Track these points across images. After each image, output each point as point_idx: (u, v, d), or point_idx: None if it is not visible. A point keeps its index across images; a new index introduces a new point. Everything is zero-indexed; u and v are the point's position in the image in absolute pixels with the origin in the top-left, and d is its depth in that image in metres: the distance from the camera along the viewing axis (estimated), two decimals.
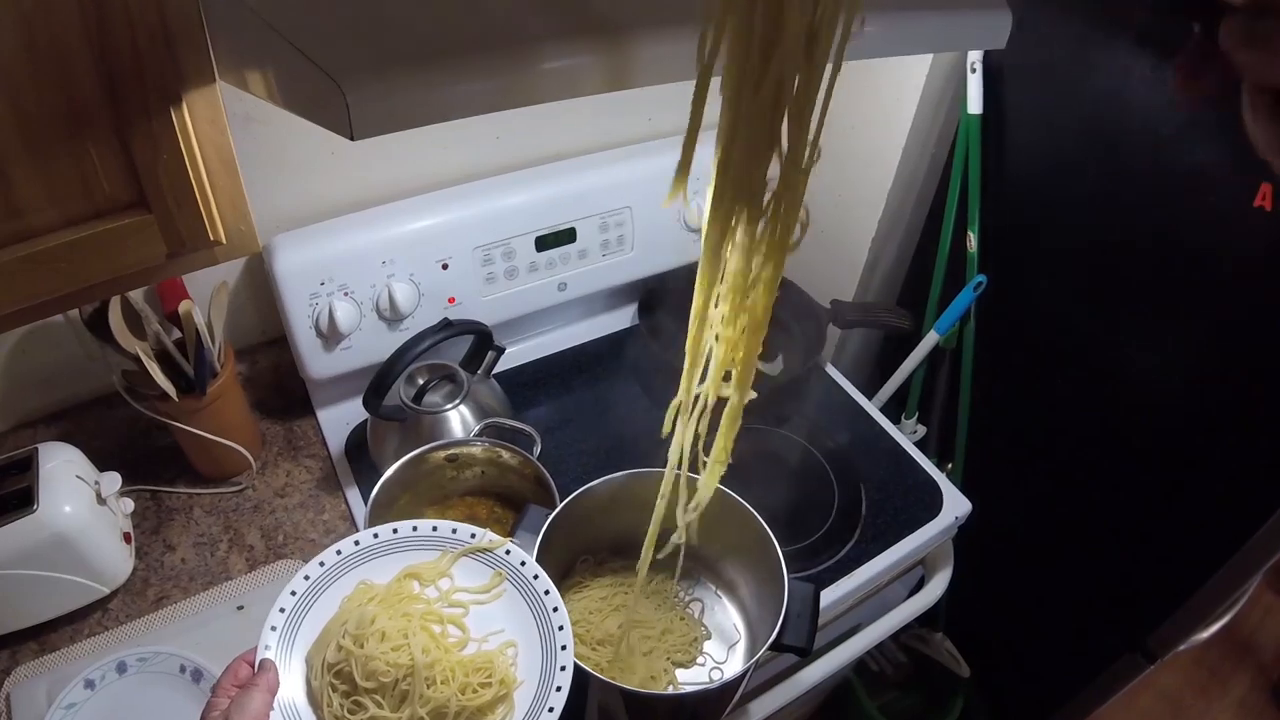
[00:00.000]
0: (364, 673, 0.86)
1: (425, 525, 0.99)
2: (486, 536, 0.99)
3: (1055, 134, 1.50)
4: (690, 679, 1.16)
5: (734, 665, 1.18)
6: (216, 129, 0.85)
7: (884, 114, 1.64)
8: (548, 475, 1.24)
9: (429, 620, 0.93)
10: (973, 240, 1.60)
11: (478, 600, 0.96)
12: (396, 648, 0.88)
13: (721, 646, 1.20)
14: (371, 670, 0.86)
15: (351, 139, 0.72)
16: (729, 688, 1.08)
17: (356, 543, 0.97)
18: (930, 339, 1.66)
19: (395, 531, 0.98)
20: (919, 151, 1.65)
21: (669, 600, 1.23)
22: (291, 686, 0.87)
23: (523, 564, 0.97)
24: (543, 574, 0.96)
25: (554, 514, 1.11)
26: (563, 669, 0.89)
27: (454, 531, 0.99)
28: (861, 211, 1.74)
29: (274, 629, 0.90)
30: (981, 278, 1.59)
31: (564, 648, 0.90)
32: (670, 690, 1.13)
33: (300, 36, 0.70)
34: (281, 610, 0.91)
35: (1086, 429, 1.61)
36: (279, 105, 0.76)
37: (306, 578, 0.94)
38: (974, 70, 1.52)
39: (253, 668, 0.86)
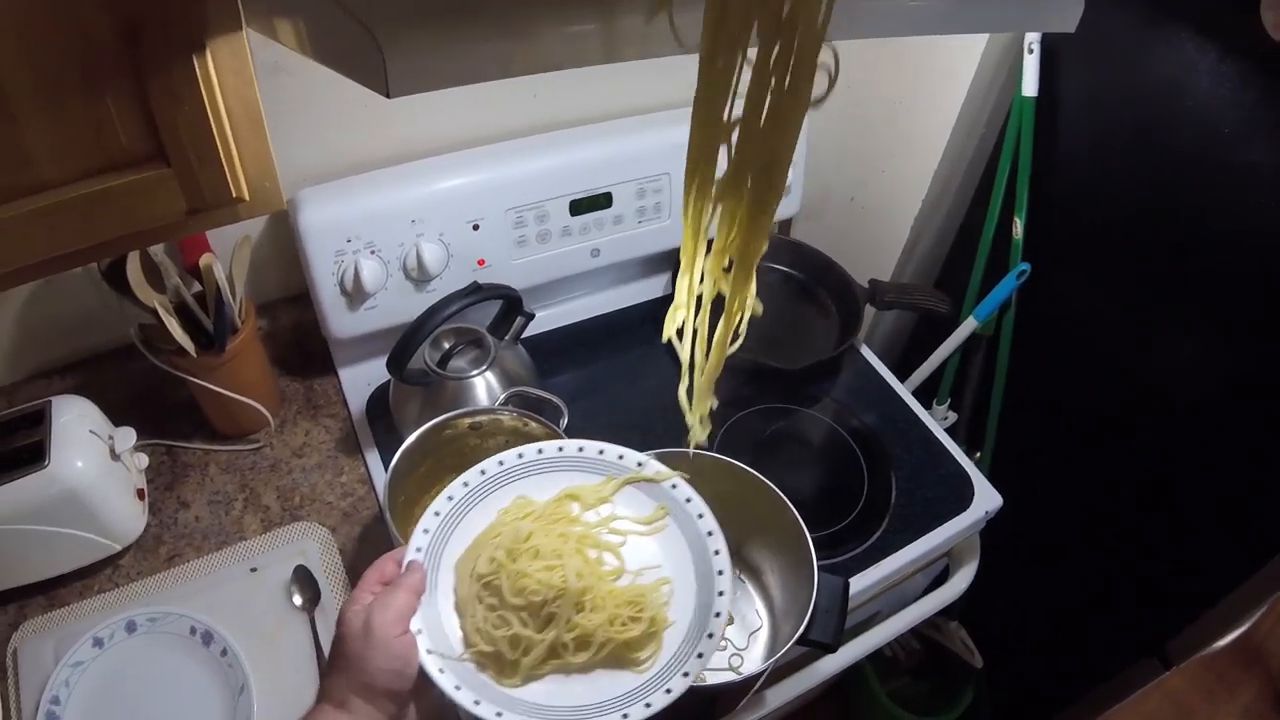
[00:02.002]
0: (513, 589, 0.81)
1: (592, 447, 0.93)
2: (654, 466, 0.91)
3: (1111, 122, 1.41)
4: (709, 665, 1.09)
5: (755, 653, 1.13)
6: (242, 80, 0.77)
7: (935, 92, 1.55)
8: None
9: (585, 544, 0.86)
10: (1018, 227, 1.52)
11: (637, 531, 0.89)
12: (550, 568, 0.82)
13: (742, 633, 1.14)
14: (521, 587, 0.80)
15: (388, 97, 0.65)
16: (750, 681, 1.04)
17: (520, 455, 0.91)
18: (968, 325, 1.58)
19: (560, 450, 0.92)
20: (968, 132, 1.56)
21: None
22: (437, 592, 0.82)
23: (688, 501, 0.89)
24: (708, 514, 0.88)
25: None
26: (717, 615, 0.81)
27: (620, 458, 0.92)
28: (905, 190, 1.65)
29: (426, 532, 0.84)
30: (1025, 266, 1.51)
31: (721, 594, 0.82)
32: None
33: None
34: (436, 514, 0.86)
35: (1121, 427, 1.53)
36: (310, 57, 0.69)
37: (465, 484, 0.88)
38: (1031, 51, 1.42)
39: (399, 567, 0.82)
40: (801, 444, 1.45)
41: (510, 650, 0.79)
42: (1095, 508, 1.61)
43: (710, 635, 0.80)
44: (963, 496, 1.38)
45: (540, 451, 0.92)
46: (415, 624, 0.77)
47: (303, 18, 0.69)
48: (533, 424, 1.22)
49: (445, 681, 0.75)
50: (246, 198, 0.84)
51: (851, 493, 1.37)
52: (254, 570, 1.22)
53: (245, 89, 0.78)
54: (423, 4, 0.65)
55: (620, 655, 0.80)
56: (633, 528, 0.89)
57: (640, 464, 0.92)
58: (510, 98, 1.41)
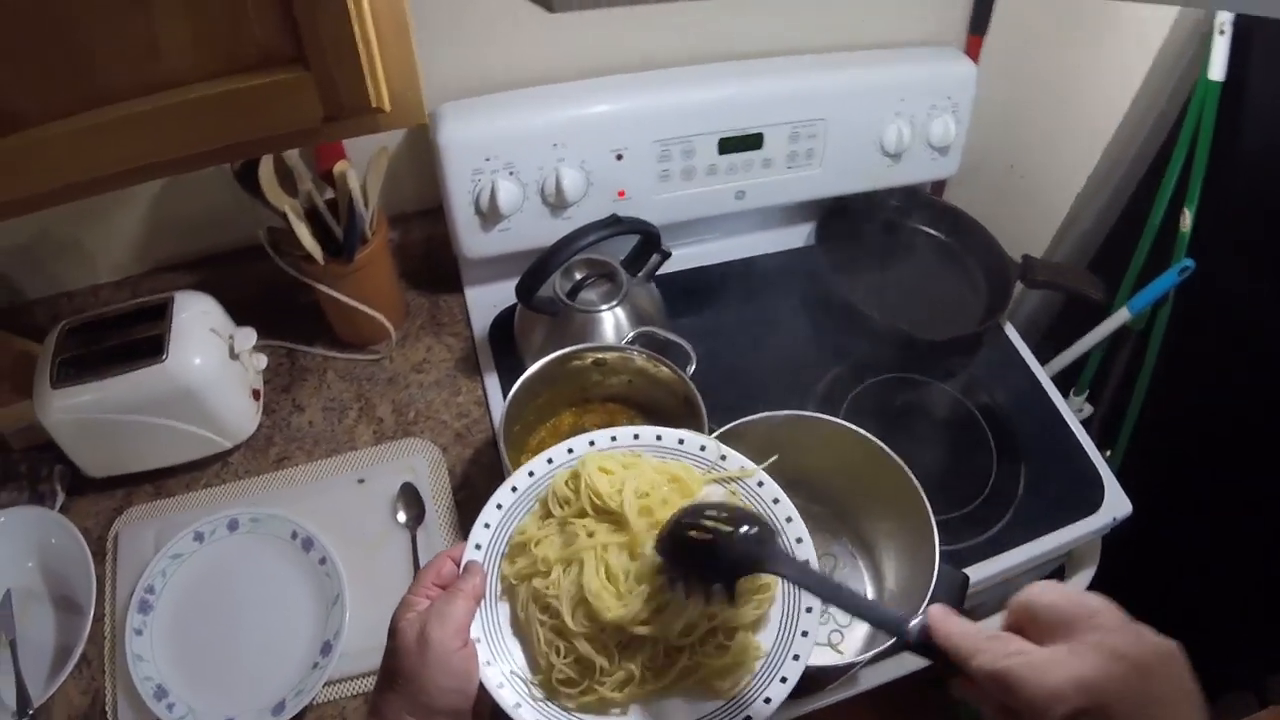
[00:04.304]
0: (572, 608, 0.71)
1: (671, 436, 0.81)
2: (739, 462, 0.79)
3: None
4: None
5: (857, 632, 1.06)
6: None
7: (1114, 63, 1.40)
8: (699, 398, 1.09)
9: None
10: (1187, 219, 1.37)
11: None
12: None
13: None
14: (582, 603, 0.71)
15: (551, 10, 0.56)
16: (848, 666, 0.99)
17: (591, 443, 0.79)
18: (1119, 316, 1.44)
19: (636, 438, 0.80)
20: (1145, 112, 1.40)
21: None
22: (499, 596, 0.73)
23: (776, 501, 0.77)
24: (796, 516, 0.76)
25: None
26: (809, 610, 0.71)
27: (702, 449, 0.80)
28: (1069, 164, 1.50)
29: (487, 526, 0.75)
30: (1189, 262, 1.37)
31: (809, 609, 0.71)
32: None
33: None
34: (498, 507, 0.76)
35: (1266, 445, 1.39)
36: None
37: (531, 473, 0.78)
38: (1222, 32, 1.27)
39: (458, 566, 0.72)
40: (931, 419, 1.33)
41: (579, 675, 0.69)
42: (1221, 525, 1.48)
43: (796, 658, 0.69)
44: (1092, 498, 1.26)
45: (614, 439, 0.80)
46: (474, 631, 0.69)
47: None
48: (660, 368, 1.14)
49: (506, 698, 0.67)
50: (387, 108, 0.77)
51: (978, 478, 1.26)
52: (361, 481, 1.18)
53: None
54: None
55: (706, 682, 0.70)
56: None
57: (724, 457, 0.80)
58: (666, 24, 1.30)
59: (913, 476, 1.00)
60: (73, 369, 1.05)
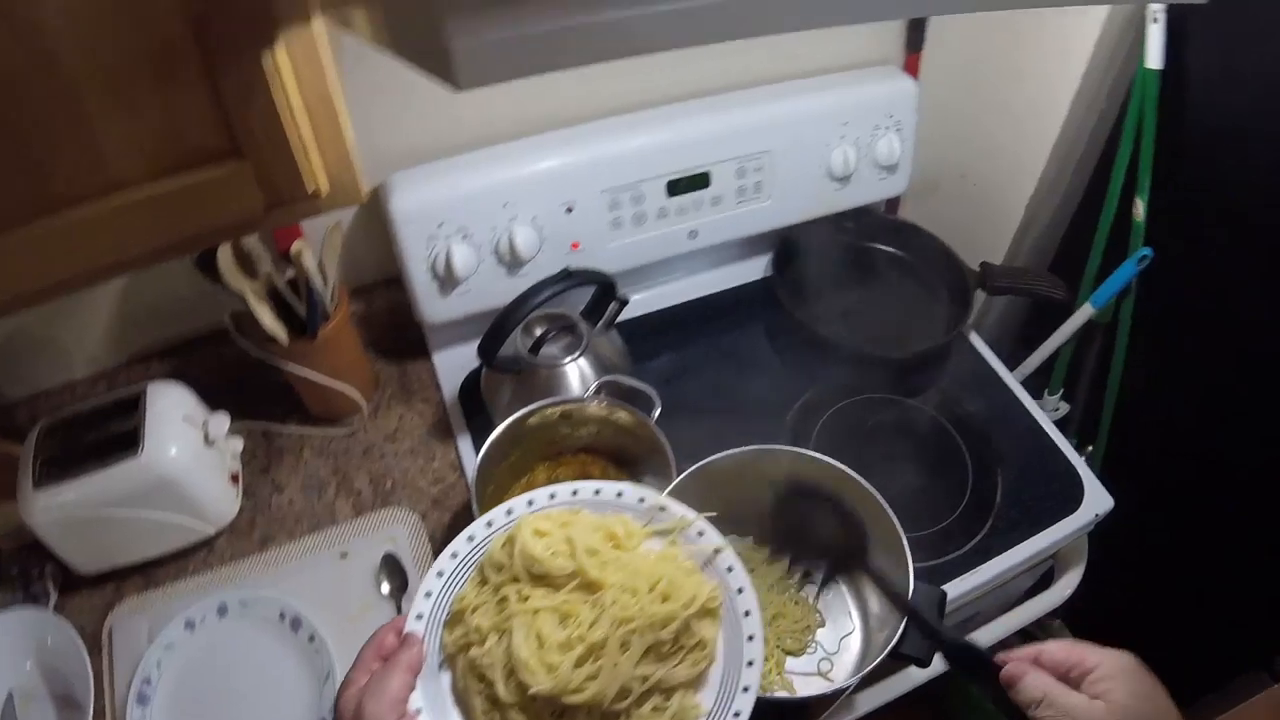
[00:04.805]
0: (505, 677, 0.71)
1: (610, 489, 0.81)
2: (679, 512, 0.79)
3: (1244, 97, 1.26)
4: (798, 668, 1.03)
5: (846, 659, 1.05)
6: (316, 70, 0.72)
7: (1052, 63, 1.40)
8: (665, 442, 1.10)
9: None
10: (1140, 209, 1.37)
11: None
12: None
13: (834, 635, 1.06)
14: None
15: (457, 89, 0.57)
16: (839, 691, 0.97)
17: (530, 502, 0.80)
18: (1084, 312, 1.44)
19: (575, 493, 0.81)
20: (1088, 107, 1.41)
21: (781, 581, 1.09)
22: (441, 666, 0.73)
23: (717, 551, 0.77)
24: (738, 564, 0.76)
25: (669, 489, 0.97)
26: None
27: (641, 500, 0.80)
28: (1019, 167, 1.51)
29: (428, 595, 0.74)
30: (1147, 251, 1.37)
31: (750, 663, 0.72)
32: (777, 691, 1.01)
33: None
34: (439, 574, 0.76)
35: (1244, 426, 1.39)
36: (381, 47, 0.62)
37: (470, 538, 0.78)
38: (1155, 21, 1.27)
39: (399, 637, 0.72)
40: (905, 437, 1.33)
41: None
42: (1212, 509, 1.47)
43: (746, 689, 0.70)
44: (1072, 497, 1.26)
45: (553, 497, 0.81)
46: (415, 701, 0.69)
47: (366, 3, 0.61)
48: (623, 415, 1.15)
49: None
50: (325, 191, 0.80)
51: (955, 491, 1.26)
52: (344, 555, 1.18)
53: (319, 80, 0.73)
54: None
55: None
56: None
57: (663, 509, 0.79)
58: (605, 73, 1.30)
59: (880, 498, 1.00)
60: (53, 469, 1.06)
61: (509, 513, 0.79)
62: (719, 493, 1.01)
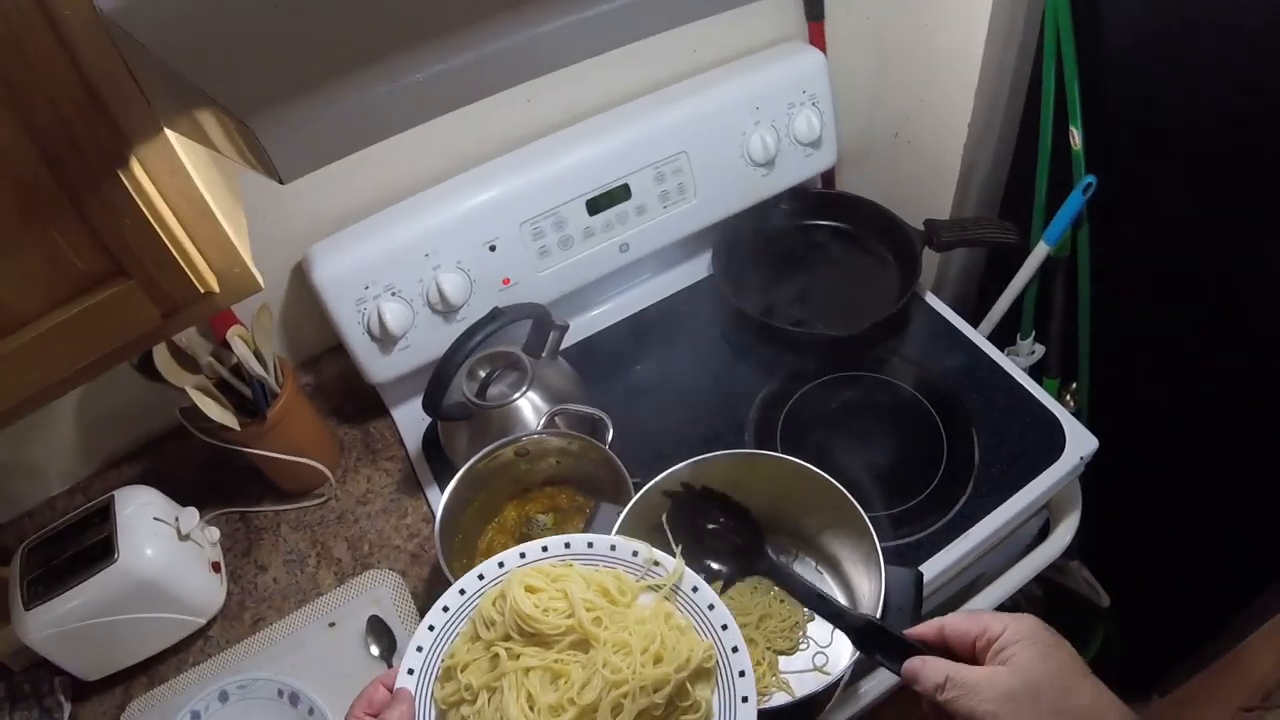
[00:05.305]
0: None
1: (602, 542, 0.80)
2: (671, 567, 0.78)
3: (1156, 8, 1.20)
4: (793, 666, 1.01)
5: (841, 649, 1.02)
6: (179, 177, 0.73)
7: (959, 2, 1.34)
8: (620, 465, 1.10)
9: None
10: (1076, 137, 1.32)
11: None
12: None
13: (825, 628, 1.03)
14: None
15: (281, 183, 0.57)
16: (832, 688, 0.93)
17: (522, 555, 0.79)
18: (1040, 251, 1.39)
19: (567, 546, 0.80)
20: (1004, 44, 1.35)
21: (765, 582, 1.05)
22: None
23: (711, 608, 0.76)
24: (732, 623, 0.75)
25: (625, 512, 0.95)
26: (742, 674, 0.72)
27: (634, 554, 0.79)
28: (948, 116, 1.45)
29: (420, 649, 0.74)
30: (1090, 178, 1.31)
31: (745, 699, 0.71)
32: (774, 695, 0.99)
33: (199, 67, 0.55)
34: (430, 628, 0.76)
35: (1223, 335, 1.33)
36: (218, 152, 0.62)
37: (462, 591, 0.78)
38: None
39: (390, 691, 0.72)
40: (872, 413, 1.31)
41: None
42: (1207, 427, 1.41)
43: (746, 699, 0.70)
44: (1053, 444, 1.22)
45: (545, 549, 0.80)
46: None
47: (187, 110, 0.63)
48: (575, 444, 1.14)
49: None
50: (216, 289, 0.80)
51: (931, 459, 1.23)
52: (332, 625, 1.19)
53: (184, 185, 0.74)
54: (285, 75, 0.57)
55: None
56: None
57: (657, 563, 0.78)
58: (501, 105, 1.30)
59: (838, 485, 0.97)
60: (39, 587, 1.08)
61: (500, 565, 0.79)
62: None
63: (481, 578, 0.78)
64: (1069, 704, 0.62)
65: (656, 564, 0.78)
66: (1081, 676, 0.64)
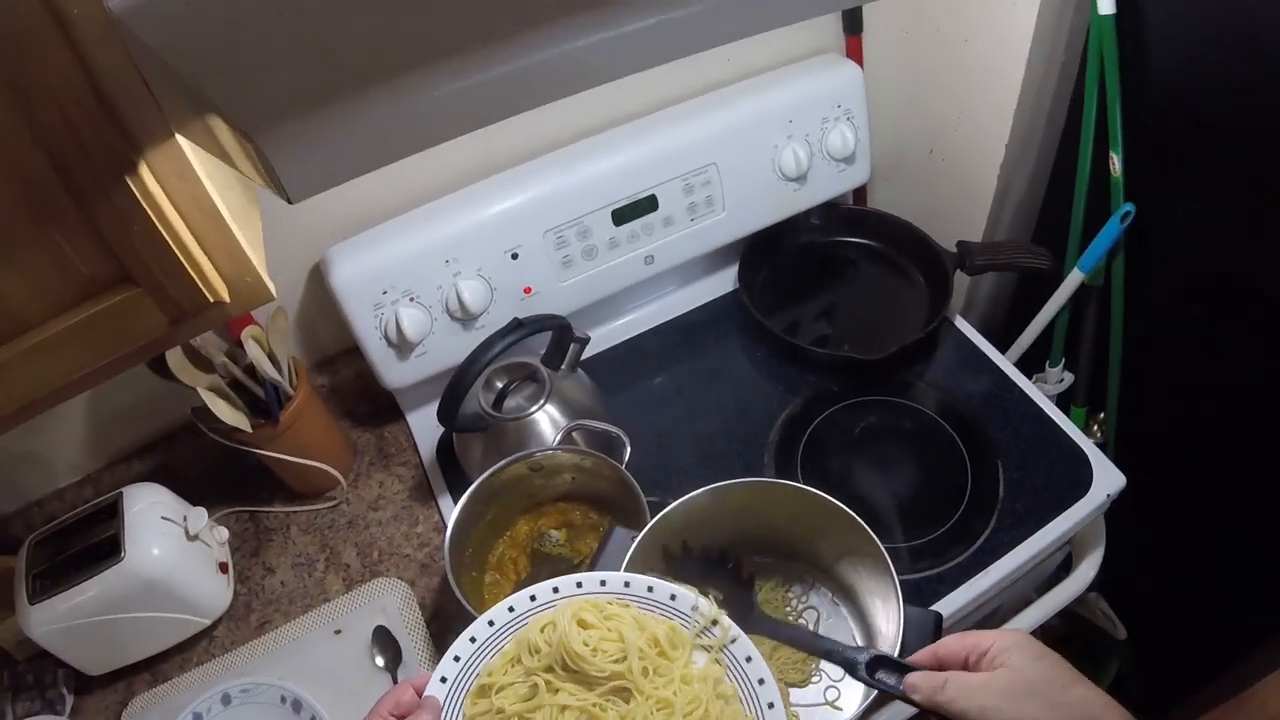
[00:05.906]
0: None
1: (663, 590, 0.77)
2: (727, 628, 0.75)
3: (1207, 31, 1.15)
4: (804, 700, 0.97)
5: (854, 687, 0.96)
6: (190, 182, 0.70)
7: (1001, 21, 1.29)
8: (635, 485, 1.07)
9: None
10: (1116, 163, 1.28)
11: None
12: None
13: None
14: None
15: (290, 202, 0.55)
16: None
17: (579, 584, 0.77)
18: (1074, 278, 1.35)
19: (627, 585, 0.77)
20: (1046, 64, 1.31)
21: (780, 610, 1.03)
22: None
23: (761, 682, 0.73)
24: (778, 700, 0.71)
25: (639, 538, 0.92)
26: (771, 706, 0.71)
27: (694, 609, 0.76)
28: (985, 137, 1.41)
29: (457, 659, 0.72)
30: (1129, 206, 1.27)
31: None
32: None
33: (208, 76, 0.52)
34: (472, 640, 0.74)
35: (1258, 372, 1.28)
36: (230, 165, 0.60)
37: (511, 609, 0.75)
38: None
39: (419, 695, 0.70)
40: (896, 439, 1.27)
41: None
42: (1237, 462, 1.36)
43: None
44: (1080, 480, 1.18)
45: (603, 584, 0.77)
46: None
47: (204, 124, 0.60)
48: (591, 461, 1.11)
49: None
50: (226, 298, 0.78)
51: (954, 490, 1.20)
52: (338, 632, 1.17)
53: (195, 190, 0.71)
54: (297, 91, 0.54)
55: None
56: None
57: (696, 608, 0.76)
58: (525, 113, 1.26)
59: (857, 518, 0.93)
60: (45, 581, 1.07)
61: (555, 590, 0.77)
62: (697, 528, 0.97)
63: (534, 599, 0.76)
64: (1067, 696, 0.65)
65: (715, 623, 0.75)
66: (1074, 677, 0.67)
